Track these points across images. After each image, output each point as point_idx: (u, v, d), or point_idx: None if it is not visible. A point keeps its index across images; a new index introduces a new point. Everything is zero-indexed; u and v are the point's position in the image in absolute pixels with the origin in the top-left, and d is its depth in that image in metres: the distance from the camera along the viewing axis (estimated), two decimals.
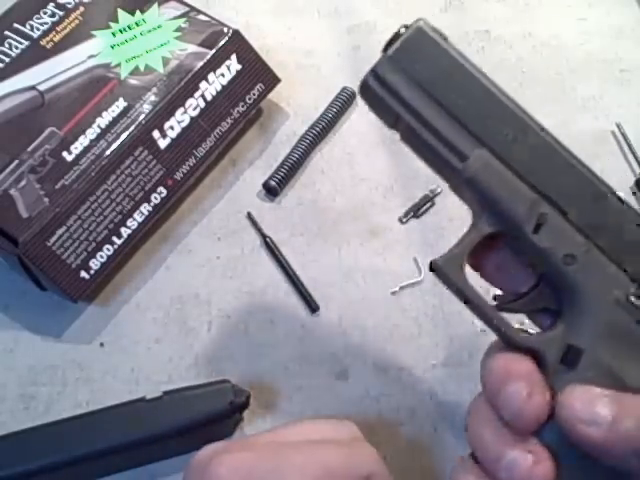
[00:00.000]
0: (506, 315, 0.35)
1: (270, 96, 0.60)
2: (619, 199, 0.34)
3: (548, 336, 0.34)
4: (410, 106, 0.35)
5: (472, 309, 0.36)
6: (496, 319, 0.35)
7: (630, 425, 0.30)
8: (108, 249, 0.52)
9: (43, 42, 0.57)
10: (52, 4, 0.58)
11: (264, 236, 0.56)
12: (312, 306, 0.53)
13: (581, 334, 0.33)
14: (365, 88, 0.36)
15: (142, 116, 0.53)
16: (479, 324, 0.52)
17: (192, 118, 0.55)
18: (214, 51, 0.56)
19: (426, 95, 0.35)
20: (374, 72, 0.35)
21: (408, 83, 0.35)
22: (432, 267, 0.36)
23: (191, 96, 0.55)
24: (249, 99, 0.58)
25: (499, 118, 0.35)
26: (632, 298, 0.33)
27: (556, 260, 0.34)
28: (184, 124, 0.55)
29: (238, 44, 0.57)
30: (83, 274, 0.51)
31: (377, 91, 0.35)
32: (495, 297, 0.37)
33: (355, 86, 0.63)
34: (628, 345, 0.33)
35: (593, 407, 0.31)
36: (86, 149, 0.52)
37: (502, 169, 0.34)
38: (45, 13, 0.58)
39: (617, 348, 0.33)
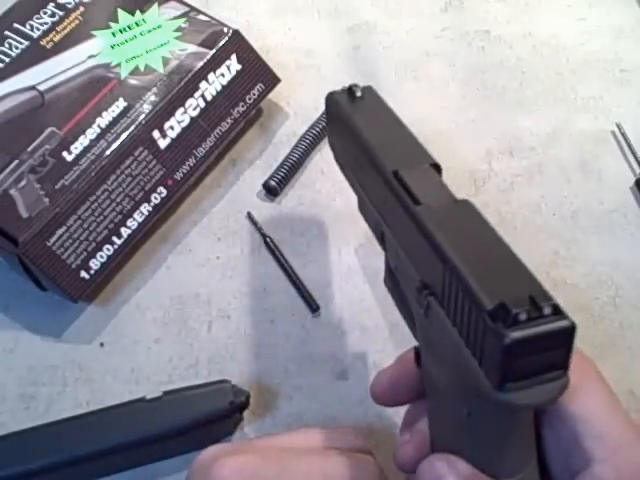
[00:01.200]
0: None
1: (270, 96, 0.60)
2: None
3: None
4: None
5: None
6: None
7: None
8: (108, 249, 0.52)
9: (43, 42, 0.57)
10: (52, 4, 0.58)
11: (264, 236, 0.56)
12: (312, 306, 0.53)
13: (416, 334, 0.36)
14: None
15: (142, 116, 0.53)
16: None
17: (192, 118, 0.55)
18: (214, 51, 0.56)
19: (340, 146, 0.44)
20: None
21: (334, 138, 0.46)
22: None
23: (191, 96, 0.55)
24: (249, 99, 0.58)
25: (360, 158, 0.39)
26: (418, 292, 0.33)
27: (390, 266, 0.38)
28: (184, 124, 0.55)
29: (238, 44, 0.58)
30: (83, 274, 0.51)
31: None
32: None
33: None
34: (424, 337, 0.34)
35: None
36: (86, 149, 0.52)
37: (365, 198, 0.40)
38: (45, 13, 0.58)
39: (425, 341, 0.34)
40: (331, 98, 0.44)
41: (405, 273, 0.35)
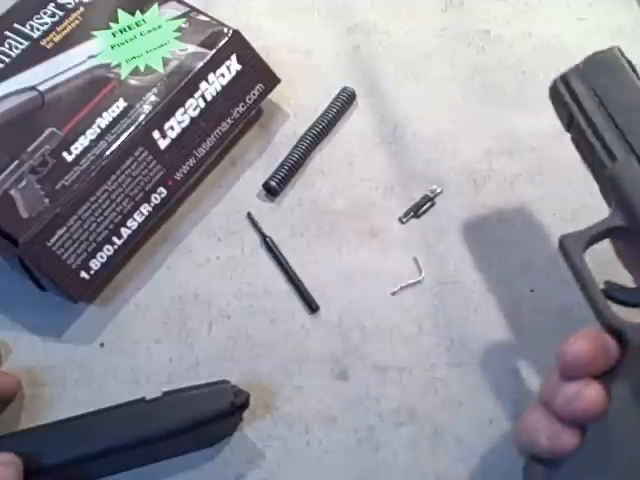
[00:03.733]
0: None
1: (270, 96, 0.60)
2: None
3: (635, 324, 0.37)
4: (585, 111, 0.42)
5: (580, 286, 0.40)
6: (594, 295, 0.39)
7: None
8: (108, 249, 0.52)
9: (43, 42, 0.57)
10: (52, 4, 0.58)
11: (264, 236, 0.56)
12: (312, 306, 0.53)
13: None
14: (553, 90, 0.45)
15: (142, 116, 0.53)
16: (480, 325, 0.52)
17: (192, 118, 0.55)
18: (214, 51, 0.56)
19: (601, 105, 0.42)
20: (563, 77, 0.44)
21: (588, 91, 0.43)
22: (559, 242, 0.41)
23: (191, 96, 0.55)
24: (249, 99, 0.58)
25: None
26: None
27: None
28: (184, 124, 0.55)
29: (238, 44, 0.57)
30: (83, 274, 0.51)
31: (562, 94, 0.44)
32: (605, 282, 0.40)
33: (355, 86, 0.63)
34: None
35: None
36: (86, 149, 0.52)
37: None
38: (45, 13, 0.58)
39: None
40: (618, 53, 0.44)
41: None
